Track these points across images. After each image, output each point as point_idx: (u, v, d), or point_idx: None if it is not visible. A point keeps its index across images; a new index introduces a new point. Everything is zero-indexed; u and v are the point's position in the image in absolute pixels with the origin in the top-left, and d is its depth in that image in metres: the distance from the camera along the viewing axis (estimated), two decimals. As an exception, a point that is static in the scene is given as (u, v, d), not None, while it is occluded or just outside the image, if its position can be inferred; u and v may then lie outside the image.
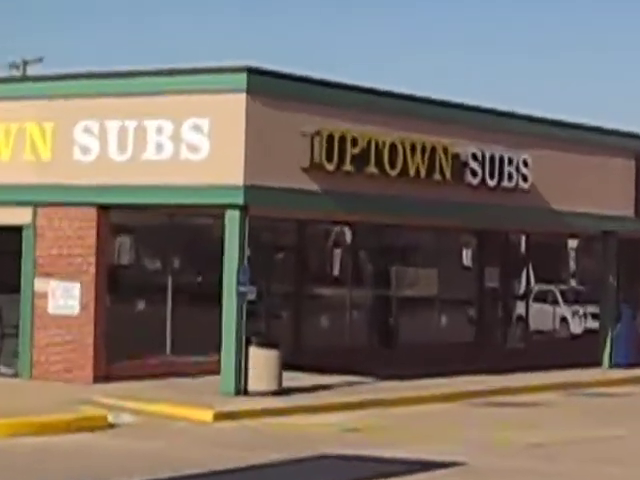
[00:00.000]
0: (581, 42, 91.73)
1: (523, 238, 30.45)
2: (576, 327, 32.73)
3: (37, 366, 21.00)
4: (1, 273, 21.75)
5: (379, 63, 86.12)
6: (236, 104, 19.58)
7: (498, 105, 25.24)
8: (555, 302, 32.81)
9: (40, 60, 48.35)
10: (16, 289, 20.84)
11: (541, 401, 21.47)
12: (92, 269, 20.55)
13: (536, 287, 31.67)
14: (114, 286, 21.24)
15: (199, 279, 23.69)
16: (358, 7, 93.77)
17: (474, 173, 23.53)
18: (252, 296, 20.31)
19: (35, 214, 21.04)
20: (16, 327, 21.17)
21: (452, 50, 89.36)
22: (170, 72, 20.50)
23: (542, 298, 31.96)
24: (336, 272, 27.14)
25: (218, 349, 19.69)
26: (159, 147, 19.96)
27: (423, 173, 22.37)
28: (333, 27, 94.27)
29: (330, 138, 20.43)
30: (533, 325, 30.80)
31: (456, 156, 23.18)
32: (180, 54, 75.91)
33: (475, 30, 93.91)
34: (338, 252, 27.00)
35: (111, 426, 16.48)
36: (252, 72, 19.51)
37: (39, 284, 20.98)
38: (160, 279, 22.68)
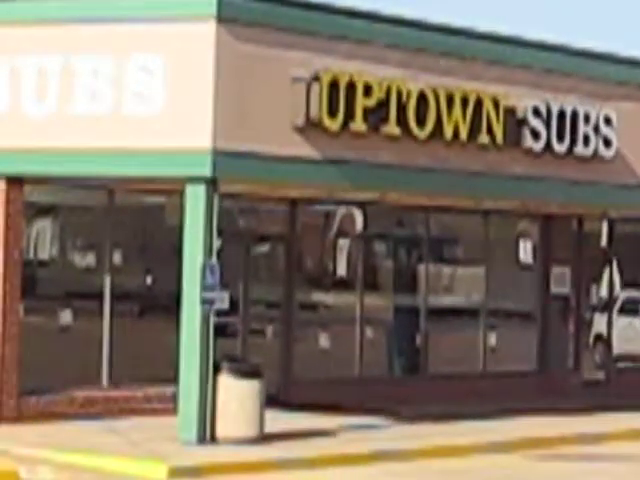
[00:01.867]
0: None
1: (605, 225, 30.24)
2: None
3: None
4: None
5: None
6: (202, 36, 19.37)
7: (569, 40, 24.77)
8: None
9: None
10: None
11: (631, 454, 21.38)
12: None
13: (623, 294, 31.59)
14: (30, 290, 20.93)
15: (148, 281, 23.45)
16: None
17: (536, 135, 23.32)
18: (223, 305, 20.17)
19: None
20: None
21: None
22: None
23: (632, 310, 31.89)
24: (342, 272, 26.77)
25: (175, 379, 19.49)
26: (93, 96, 19.67)
27: (464, 134, 22.06)
28: None
29: (334, 85, 20.16)
30: (618, 347, 30.64)
31: (511, 111, 22.92)
32: None
33: None
34: (344, 244, 26.65)
35: None
36: None
37: None
38: (94, 281, 22.32)
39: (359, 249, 26.73)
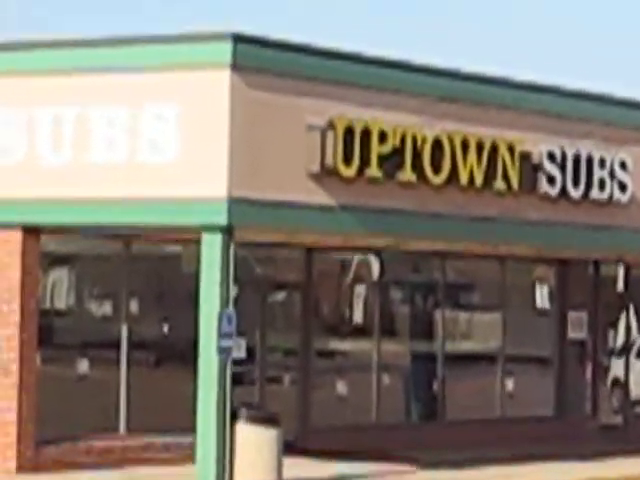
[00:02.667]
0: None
1: (621, 270, 30.17)
2: None
3: None
4: None
5: (407, 27, 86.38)
6: (216, 83, 19.26)
7: (585, 85, 24.81)
8: None
9: None
10: None
11: None
12: (15, 316, 20.22)
13: None
14: (47, 339, 20.80)
15: (165, 329, 23.14)
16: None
17: (551, 180, 23.22)
18: (240, 353, 20.16)
19: None
20: None
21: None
22: (124, 41, 20.04)
23: None
24: (358, 318, 26.64)
25: (193, 427, 19.50)
26: (108, 145, 19.54)
27: (480, 180, 21.95)
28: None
29: (349, 132, 20.05)
30: (636, 391, 30.57)
31: (526, 156, 22.88)
32: (141, 19, 76.84)
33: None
34: (361, 290, 26.57)
35: None
36: (239, 40, 19.05)
37: None
38: (111, 329, 22.20)
39: (375, 296, 26.62)
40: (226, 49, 19.11)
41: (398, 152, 21.01)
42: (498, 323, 28.13)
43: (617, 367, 30.41)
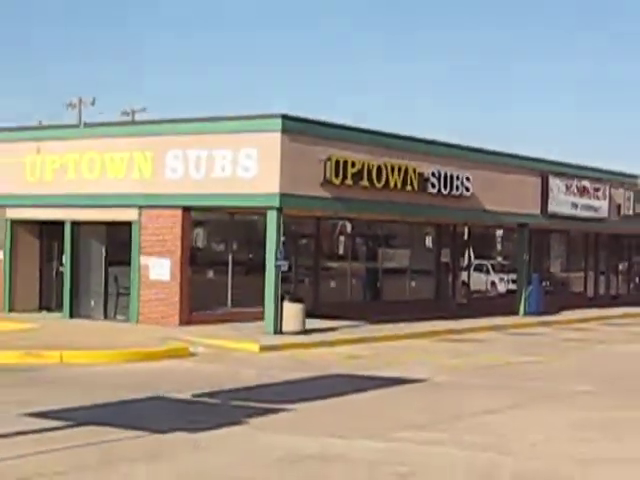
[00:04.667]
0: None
1: (466, 229, 29.43)
2: (502, 288, 31.56)
3: (141, 315, 20.47)
4: (118, 253, 21.28)
5: (366, 108, 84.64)
6: (274, 139, 19.02)
7: (449, 139, 24.30)
8: (487, 272, 31.79)
9: (144, 109, 48.07)
10: (127, 263, 20.69)
11: (480, 338, 21.13)
12: (178, 250, 20.11)
13: (475, 262, 31.04)
14: (193, 261, 20.76)
15: (250, 256, 22.90)
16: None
17: (433, 185, 23.04)
18: (285, 268, 19.98)
19: (140, 214, 20.51)
20: (127, 288, 20.83)
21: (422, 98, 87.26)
22: (231, 118, 19.96)
23: (479, 269, 31.27)
24: (341, 251, 26.33)
25: (262, 303, 19.39)
26: (223, 168, 19.57)
27: (399, 185, 22.05)
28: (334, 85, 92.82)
29: (337, 162, 20.10)
30: (473, 287, 30.22)
31: (421, 174, 22.59)
32: (236, 100, 74.85)
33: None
34: (342, 239, 26.17)
35: (191, 355, 16.28)
36: (285, 118, 19.06)
37: (143, 260, 20.38)
38: (224, 256, 22.05)
39: (349, 241, 26.08)
40: (278, 122, 18.90)
41: (360, 172, 20.66)
42: (407, 254, 27.38)
43: (464, 275, 29.90)
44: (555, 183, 27.04)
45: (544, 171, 26.91)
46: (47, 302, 22.58)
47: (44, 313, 21.84)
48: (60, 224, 21.29)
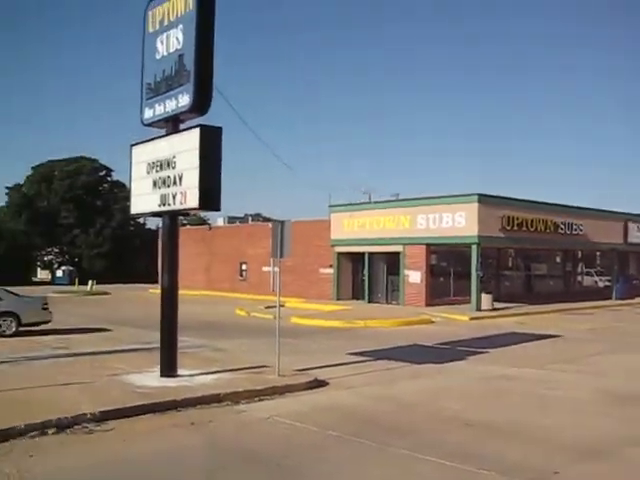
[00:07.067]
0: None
1: (580, 252, 33.52)
2: (601, 285, 36.46)
3: (406, 300, 25.73)
4: (392, 268, 25.81)
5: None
6: (474, 207, 24.45)
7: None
8: (592, 275, 37.04)
9: (397, 194, 46.12)
10: (397, 273, 25.81)
11: (589, 312, 24.61)
12: (424, 267, 25.59)
13: (585, 270, 35.71)
14: (431, 272, 26.02)
15: (460, 269, 26.54)
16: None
17: (561, 229, 25.45)
18: (481, 275, 24.32)
19: (404, 248, 26.00)
20: (398, 286, 25.43)
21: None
22: (450, 196, 25.26)
23: (588, 274, 36.14)
24: (510, 265, 30.74)
25: (469, 294, 24.55)
26: (447, 223, 24.91)
27: (543, 229, 25.64)
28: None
29: (508, 217, 25.24)
30: (584, 284, 35.36)
31: (555, 222, 25.91)
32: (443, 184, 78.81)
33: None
34: (510, 259, 31.15)
35: (432, 322, 20.38)
36: (480, 195, 24.46)
37: (406, 272, 26.13)
38: (447, 270, 27.34)
39: (514, 260, 29.54)
40: (475, 198, 24.41)
41: (521, 223, 25.44)
42: (546, 267, 30.59)
43: (579, 277, 33.78)
44: (632, 226, 34.20)
45: (625, 219, 33.54)
46: (356, 294, 29.66)
47: (354, 301, 28.52)
48: (362, 254, 28.51)
